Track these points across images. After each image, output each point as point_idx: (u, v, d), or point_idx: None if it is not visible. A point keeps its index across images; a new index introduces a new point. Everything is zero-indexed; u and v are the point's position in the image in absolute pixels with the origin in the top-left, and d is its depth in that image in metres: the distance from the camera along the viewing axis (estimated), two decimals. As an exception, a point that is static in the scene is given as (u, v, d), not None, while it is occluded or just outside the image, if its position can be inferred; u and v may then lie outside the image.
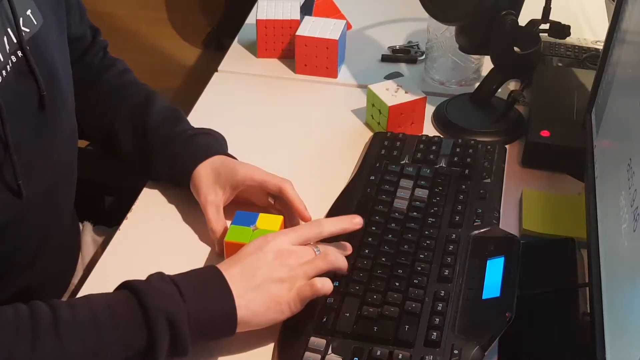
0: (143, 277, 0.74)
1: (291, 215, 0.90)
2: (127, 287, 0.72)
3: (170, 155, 0.95)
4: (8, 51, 0.78)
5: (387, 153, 1.03)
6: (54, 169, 0.88)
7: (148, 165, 0.97)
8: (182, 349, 0.71)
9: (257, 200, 0.94)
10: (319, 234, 0.81)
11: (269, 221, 0.86)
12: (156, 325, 0.69)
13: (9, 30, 0.78)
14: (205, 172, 0.91)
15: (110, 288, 0.74)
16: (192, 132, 0.97)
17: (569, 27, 1.08)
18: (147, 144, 0.96)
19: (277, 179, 0.91)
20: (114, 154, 1.02)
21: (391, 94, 1.09)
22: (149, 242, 0.93)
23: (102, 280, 0.87)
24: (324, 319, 0.77)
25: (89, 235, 1.09)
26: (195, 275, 0.75)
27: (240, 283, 0.74)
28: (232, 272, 0.75)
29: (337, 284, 0.81)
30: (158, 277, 0.73)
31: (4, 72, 0.77)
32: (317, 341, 0.75)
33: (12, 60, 0.78)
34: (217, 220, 0.89)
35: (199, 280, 0.74)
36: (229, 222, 0.87)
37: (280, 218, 0.87)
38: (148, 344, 0.69)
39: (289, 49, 1.30)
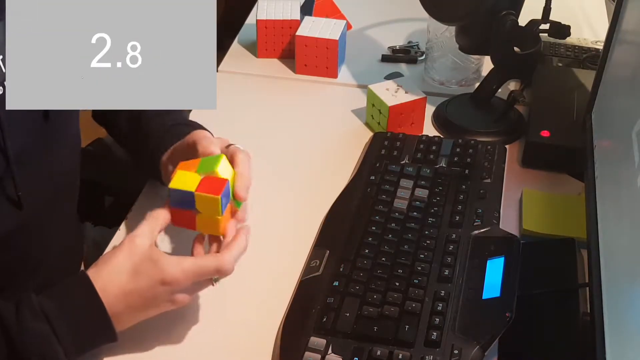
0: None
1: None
2: None
3: (158, 136, 0.93)
4: None
5: (387, 153, 1.03)
6: (56, 178, 0.88)
7: (138, 143, 0.96)
8: None
9: None
10: (223, 275, 0.75)
11: (209, 163, 0.77)
12: None
13: None
14: (166, 156, 0.90)
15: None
16: (184, 122, 0.96)
17: (569, 27, 1.08)
18: (140, 130, 0.96)
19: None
20: (113, 135, 1.03)
21: (391, 94, 1.09)
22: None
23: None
24: (324, 319, 0.77)
25: (89, 236, 1.09)
26: (73, 306, 0.71)
27: (128, 314, 0.73)
28: (120, 305, 0.72)
29: (337, 284, 0.81)
30: (30, 313, 0.69)
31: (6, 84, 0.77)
32: (317, 341, 0.75)
33: None
34: None
35: (77, 314, 0.71)
36: None
37: (220, 157, 0.78)
38: None
39: (289, 49, 1.30)
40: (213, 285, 0.76)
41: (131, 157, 1.01)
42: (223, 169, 0.77)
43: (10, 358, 0.69)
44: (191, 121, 0.97)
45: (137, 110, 0.96)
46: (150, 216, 0.76)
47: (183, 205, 0.76)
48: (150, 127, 0.94)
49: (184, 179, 0.76)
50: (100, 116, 1.03)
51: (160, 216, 0.76)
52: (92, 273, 0.72)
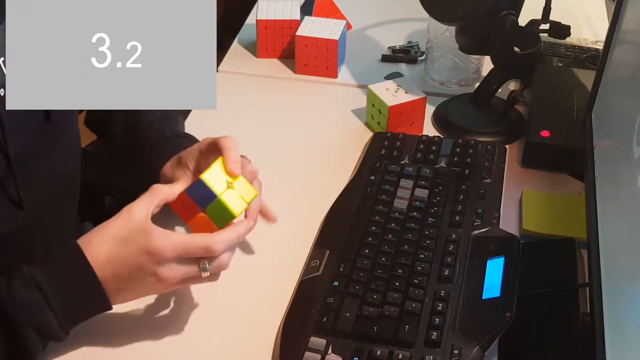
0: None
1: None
2: None
3: (148, 155, 0.93)
4: None
5: (387, 153, 1.03)
6: (57, 179, 0.88)
7: (134, 161, 0.96)
8: (57, 340, 0.72)
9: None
10: (211, 255, 0.73)
11: (245, 188, 0.78)
12: (26, 339, 0.69)
13: None
14: (170, 164, 0.89)
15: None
16: (174, 134, 0.96)
17: (569, 27, 1.08)
18: (137, 139, 0.95)
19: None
20: (102, 138, 1.02)
21: (391, 94, 1.09)
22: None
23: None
24: (324, 319, 0.77)
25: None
26: (63, 273, 0.71)
27: (114, 283, 0.72)
28: (106, 271, 0.72)
29: (337, 284, 0.81)
30: (21, 280, 0.70)
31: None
32: (317, 341, 0.75)
33: None
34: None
35: (66, 280, 0.71)
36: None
37: (255, 194, 0.79)
38: (20, 353, 0.70)
39: (289, 49, 1.30)
40: (202, 275, 0.74)
41: (125, 164, 1.00)
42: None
43: (4, 327, 0.69)
44: (189, 134, 0.97)
45: (132, 118, 0.96)
46: (152, 189, 0.76)
47: (197, 199, 0.75)
48: (148, 137, 0.94)
49: (216, 177, 0.76)
50: (92, 123, 1.03)
51: (162, 192, 0.76)
52: (83, 241, 0.72)
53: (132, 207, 0.73)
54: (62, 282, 0.71)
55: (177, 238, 0.72)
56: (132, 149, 0.95)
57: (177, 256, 0.72)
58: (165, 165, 0.89)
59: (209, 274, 0.74)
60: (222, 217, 0.75)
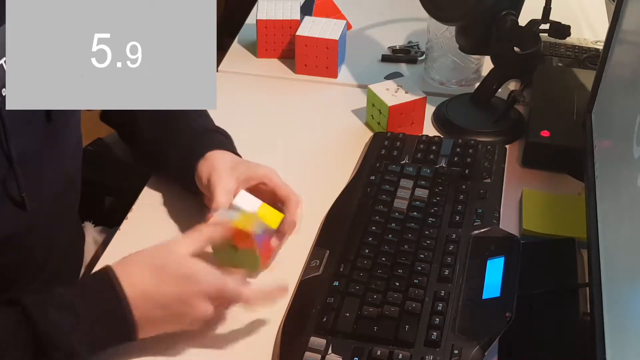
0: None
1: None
2: (23, 313, 0.69)
3: (186, 144, 0.93)
4: None
5: (387, 153, 1.03)
6: (59, 179, 0.88)
7: (162, 154, 0.95)
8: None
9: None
10: (238, 300, 0.77)
11: (270, 213, 0.85)
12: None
13: None
14: (222, 159, 0.89)
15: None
16: (211, 127, 0.96)
17: (569, 27, 1.08)
18: (166, 133, 0.95)
19: (287, 190, 0.88)
20: (130, 140, 1.02)
21: (391, 94, 1.09)
22: (149, 242, 0.92)
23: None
24: (324, 319, 0.77)
25: (89, 236, 1.09)
26: (98, 302, 0.72)
27: (145, 312, 0.73)
28: (140, 305, 0.73)
29: (337, 284, 0.81)
30: (57, 301, 0.71)
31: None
32: (317, 341, 0.75)
33: None
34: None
35: (102, 309, 0.72)
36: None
37: (280, 216, 0.85)
38: None
39: (289, 49, 1.30)
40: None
41: (148, 161, 1.00)
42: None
43: (35, 350, 0.69)
44: (221, 129, 0.97)
45: (159, 114, 0.95)
46: (196, 229, 0.77)
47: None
48: (181, 133, 0.94)
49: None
50: (112, 118, 1.02)
51: (205, 234, 0.77)
52: (123, 271, 0.73)
53: (176, 243, 0.75)
54: (97, 314, 0.71)
55: (216, 271, 0.74)
56: (166, 148, 0.94)
57: (212, 290, 0.74)
58: (201, 168, 0.88)
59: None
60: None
